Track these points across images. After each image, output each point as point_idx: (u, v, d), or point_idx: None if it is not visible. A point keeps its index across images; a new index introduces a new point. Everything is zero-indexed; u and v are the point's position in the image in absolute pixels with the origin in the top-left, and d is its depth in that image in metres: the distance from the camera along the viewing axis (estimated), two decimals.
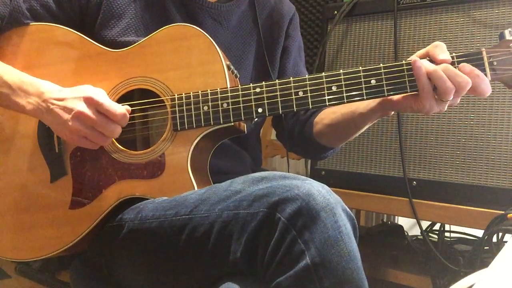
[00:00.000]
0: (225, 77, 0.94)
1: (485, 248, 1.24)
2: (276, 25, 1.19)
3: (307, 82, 0.92)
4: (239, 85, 0.94)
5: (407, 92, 0.90)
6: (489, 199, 1.23)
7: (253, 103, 0.93)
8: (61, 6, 1.02)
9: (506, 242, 1.20)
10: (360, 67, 0.91)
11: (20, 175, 1.00)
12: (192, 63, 0.96)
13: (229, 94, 0.93)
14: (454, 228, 1.61)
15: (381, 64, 0.90)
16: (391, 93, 0.91)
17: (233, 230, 0.78)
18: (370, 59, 1.46)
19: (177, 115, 0.94)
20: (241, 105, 0.93)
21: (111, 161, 0.96)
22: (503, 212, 1.15)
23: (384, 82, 0.90)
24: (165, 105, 0.96)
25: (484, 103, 1.26)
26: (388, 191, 1.40)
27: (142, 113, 0.99)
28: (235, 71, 1.00)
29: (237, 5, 1.13)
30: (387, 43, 1.42)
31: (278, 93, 0.92)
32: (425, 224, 1.57)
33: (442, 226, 1.57)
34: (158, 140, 0.96)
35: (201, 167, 0.99)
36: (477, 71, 0.86)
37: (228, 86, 0.94)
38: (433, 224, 1.64)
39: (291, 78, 0.93)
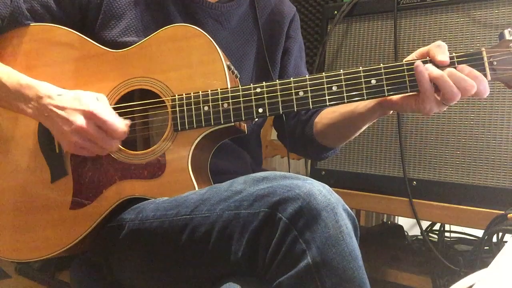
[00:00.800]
0: (226, 77, 0.94)
1: (485, 248, 1.24)
2: (276, 26, 1.19)
3: (308, 82, 0.92)
4: (240, 85, 0.94)
5: (407, 92, 0.90)
6: (489, 199, 1.23)
7: (253, 103, 0.93)
8: (61, 6, 1.02)
9: (506, 242, 1.20)
10: (360, 67, 0.91)
11: (20, 175, 1.00)
12: (192, 63, 0.96)
13: (230, 94, 0.93)
14: (454, 228, 1.62)
15: (381, 64, 0.90)
16: (391, 93, 0.91)
17: (234, 230, 0.78)
18: (370, 59, 1.46)
19: (178, 115, 0.94)
20: (242, 105, 0.93)
21: (112, 161, 0.96)
22: (503, 212, 1.15)
23: (385, 82, 0.90)
24: (166, 105, 0.96)
25: (484, 103, 1.26)
26: (388, 191, 1.40)
27: (143, 114, 0.99)
28: (236, 71, 0.99)
29: (237, 6, 1.13)
30: (387, 43, 1.42)
31: (278, 93, 0.92)
32: (425, 224, 1.58)
33: (442, 226, 1.57)
34: (158, 141, 0.96)
35: (201, 167, 0.99)
36: (476, 72, 0.86)
37: (229, 86, 0.94)
38: (433, 224, 1.64)
39: (291, 78, 0.93)
